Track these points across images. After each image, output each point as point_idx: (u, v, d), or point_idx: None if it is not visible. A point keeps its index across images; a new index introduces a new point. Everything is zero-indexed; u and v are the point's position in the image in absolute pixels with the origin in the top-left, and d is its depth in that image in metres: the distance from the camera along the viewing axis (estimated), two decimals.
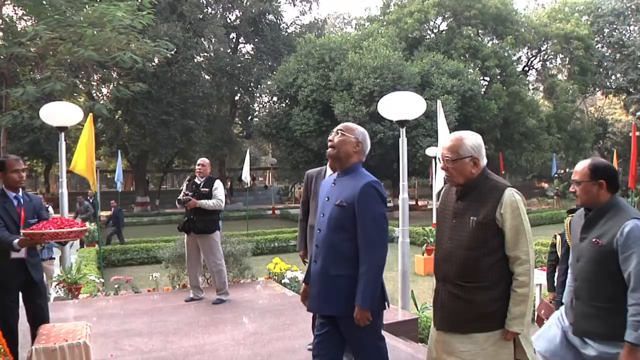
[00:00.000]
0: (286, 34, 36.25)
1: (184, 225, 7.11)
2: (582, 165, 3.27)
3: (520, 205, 2.89)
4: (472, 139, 3.01)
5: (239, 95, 36.60)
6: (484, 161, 3.02)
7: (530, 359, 2.97)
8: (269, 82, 29.91)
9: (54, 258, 8.82)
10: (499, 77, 30.61)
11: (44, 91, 19.28)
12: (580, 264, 3.21)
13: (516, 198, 2.89)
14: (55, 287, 8.10)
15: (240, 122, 38.51)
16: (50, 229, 4.06)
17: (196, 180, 7.14)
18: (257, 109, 36.87)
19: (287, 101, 28.73)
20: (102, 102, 23.30)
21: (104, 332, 5.86)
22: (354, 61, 24.61)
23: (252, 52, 36.73)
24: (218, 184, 7.13)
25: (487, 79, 31.31)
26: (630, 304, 2.93)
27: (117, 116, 30.16)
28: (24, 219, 4.51)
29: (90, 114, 9.39)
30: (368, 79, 23.61)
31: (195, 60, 31.62)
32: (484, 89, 29.72)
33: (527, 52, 37.05)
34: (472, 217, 2.95)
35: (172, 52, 23.51)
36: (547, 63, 37.80)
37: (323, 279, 3.30)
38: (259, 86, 33.40)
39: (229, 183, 39.40)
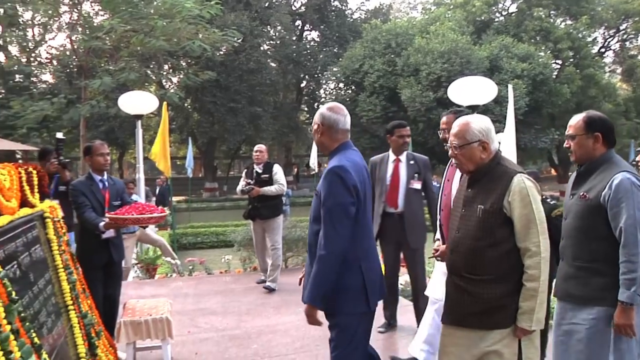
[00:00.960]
0: (351, 20, 36.06)
1: (249, 213, 7.26)
2: (577, 118, 3.07)
3: (531, 192, 2.70)
4: (479, 122, 2.85)
5: (305, 82, 36.77)
6: (494, 145, 2.84)
7: None
8: (334, 69, 29.89)
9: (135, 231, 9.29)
10: (572, 59, 29.27)
11: (118, 81, 20.04)
12: (568, 220, 3.05)
13: (526, 185, 2.71)
14: (134, 267, 8.50)
15: (306, 109, 38.71)
16: (133, 215, 4.26)
17: (255, 168, 7.21)
18: (323, 95, 36.90)
19: (353, 87, 28.63)
20: (172, 90, 23.89)
21: (180, 310, 6.12)
22: (420, 46, 24.23)
23: (317, 39, 36.77)
24: (277, 168, 7.22)
25: (559, 62, 29.95)
26: (621, 261, 2.77)
27: (186, 104, 30.91)
28: (109, 201, 4.77)
29: (165, 102, 9.72)
30: (435, 64, 23.21)
31: (262, 48, 31.95)
32: (555, 73, 28.49)
33: (604, 33, 35.07)
34: (479, 206, 2.79)
35: (239, 41, 23.88)
36: (627, 43, 35.67)
37: (307, 271, 3.12)
38: (324, 73, 33.45)
39: (295, 169, 39.75)
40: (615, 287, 2.78)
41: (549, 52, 27.90)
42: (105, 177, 4.89)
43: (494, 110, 22.73)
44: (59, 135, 6.43)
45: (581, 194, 2.96)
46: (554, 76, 27.66)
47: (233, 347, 5.12)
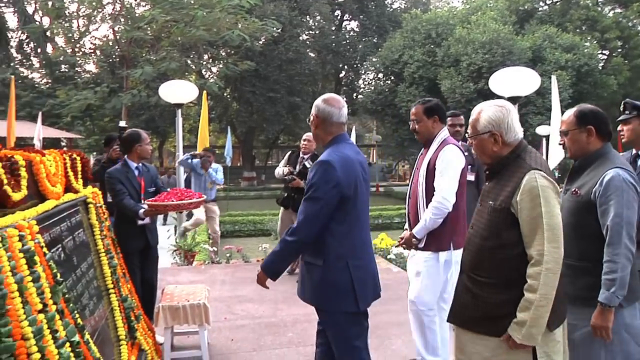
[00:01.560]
0: (391, 9, 35.75)
1: (283, 200, 7.24)
2: (569, 113, 2.96)
3: (543, 192, 2.38)
4: (490, 111, 2.57)
5: (343, 72, 36.69)
6: (510, 136, 2.55)
7: None
8: (374, 59, 29.69)
9: (216, 200, 9.43)
10: (620, 50, 28.40)
11: (159, 71, 20.35)
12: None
13: (539, 183, 2.39)
14: (172, 253, 8.64)
15: (345, 99, 38.64)
16: (173, 201, 4.31)
17: (304, 159, 7.14)
18: (362, 85, 36.75)
19: (392, 78, 28.39)
20: (211, 80, 24.16)
21: (217, 296, 6.20)
22: (461, 36, 23.88)
23: (357, 29, 36.57)
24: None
25: (606, 52, 29.04)
26: (604, 260, 2.66)
27: (225, 94, 31.19)
28: (144, 188, 4.87)
29: (205, 92, 9.83)
30: (476, 55, 22.83)
31: (301, 38, 31.98)
32: (602, 64, 27.65)
33: None
34: (490, 202, 2.56)
35: (279, 31, 23.98)
36: None
37: (303, 265, 3.12)
38: (363, 63, 33.28)
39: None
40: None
41: (595, 42, 27.06)
42: (140, 164, 5.00)
43: (536, 102, 22.32)
44: (122, 123, 6.67)
45: (573, 190, 2.87)
46: (600, 67, 26.84)
47: (268, 334, 5.17)
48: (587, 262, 2.74)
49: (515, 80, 6.81)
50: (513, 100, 6.86)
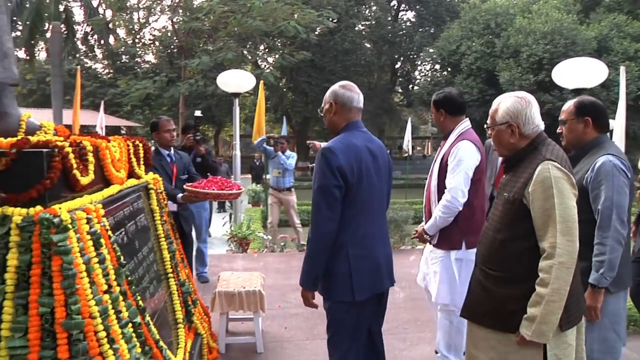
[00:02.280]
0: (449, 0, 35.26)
1: None
2: (569, 103, 3.06)
3: (557, 183, 2.30)
4: (509, 102, 2.52)
5: (399, 63, 36.39)
6: (528, 128, 2.49)
7: None
8: (430, 50, 29.30)
9: (291, 189, 9.41)
10: None
11: (216, 61, 20.65)
12: None
13: (552, 174, 2.32)
14: (228, 241, 8.78)
15: (400, 91, 38.31)
16: (214, 190, 4.28)
17: None
18: (418, 77, 36.36)
19: (449, 69, 27.97)
20: (267, 70, 24.35)
21: (271, 284, 6.26)
22: (522, 26, 23.23)
23: (413, 19, 36.15)
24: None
25: None
26: (595, 243, 2.74)
27: (281, 84, 31.39)
28: (176, 174, 4.96)
29: (262, 81, 9.92)
30: (537, 46, 22.17)
31: (357, 28, 31.87)
32: None
33: None
34: (504, 194, 2.51)
35: (335, 21, 23.95)
36: None
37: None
38: (420, 54, 32.91)
39: (388, 151, 39.54)
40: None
41: None
42: (172, 151, 5.10)
43: (601, 95, 21.45)
44: (197, 113, 6.89)
45: None
46: None
47: (322, 324, 5.12)
48: (580, 247, 2.60)
49: (580, 72, 6.59)
50: (577, 92, 6.63)
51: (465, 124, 3.84)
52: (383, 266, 3.06)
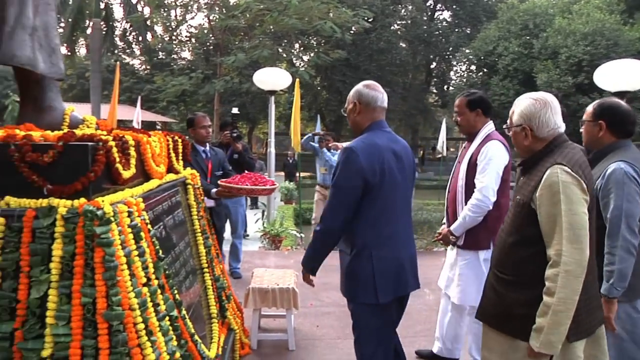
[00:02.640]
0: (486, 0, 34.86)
1: None
2: (591, 105, 3.02)
3: (564, 188, 2.22)
4: (525, 104, 2.46)
5: (434, 63, 36.14)
6: (543, 131, 2.41)
7: None
8: (466, 50, 29.02)
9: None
10: None
11: (251, 58, 20.79)
12: None
13: (560, 179, 2.23)
14: (260, 238, 8.83)
15: (435, 91, 38.03)
16: (247, 185, 4.27)
17: None
18: (453, 77, 36.04)
19: (485, 70, 27.68)
20: (302, 69, 24.41)
21: (303, 282, 6.27)
22: (561, 27, 22.83)
23: (449, 19, 35.85)
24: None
25: None
26: (605, 252, 2.67)
27: (316, 82, 31.44)
28: (211, 171, 4.99)
29: (297, 80, 9.94)
30: (577, 47, 21.77)
31: (393, 27, 31.74)
32: None
33: None
34: (517, 197, 2.48)
35: (370, 20, 23.90)
36: None
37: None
38: (456, 54, 32.61)
39: (421, 152, 39.32)
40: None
41: None
42: (208, 148, 5.14)
43: None
44: (234, 110, 6.97)
45: None
46: None
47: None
48: (597, 255, 2.62)
49: (623, 74, 6.45)
50: (620, 95, 6.49)
51: (491, 125, 3.86)
52: (408, 268, 3.03)
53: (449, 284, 4.01)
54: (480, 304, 2.68)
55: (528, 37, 24.73)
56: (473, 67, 29.96)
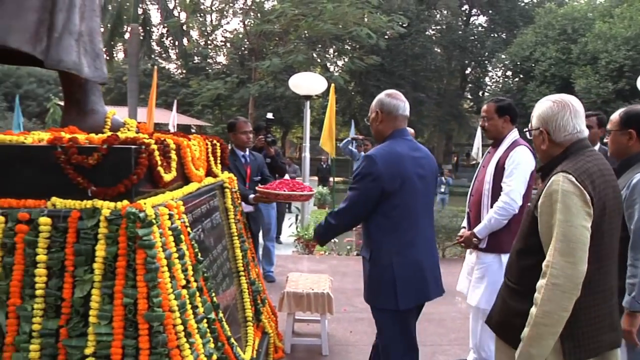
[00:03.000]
0: (523, 4, 34.33)
1: None
2: (616, 113, 2.92)
3: (564, 198, 2.10)
4: (542, 107, 2.36)
5: (469, 68, 35.82)
6: (560, 135, 2.30)
7: None
8: (502, 56, 28.73)
9: None
10: None
11: (286, 63, 20.92)
12: None
13: (561, 187, 2.11)
14: (294, 242, 8.86)
15: (470, 97, 37.69)
16: (285, 191, 4.26)
17: None
18: (488, 83, 35.70)
19: (521, 76, 27.34)
20: (336, 74, 24.46)
21: (337, 287, 6.25)
22: (601, 32, 22.35)
23: (485, 24, 35.52)
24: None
25: None
26: (628, 264, 2.60)
27: (350, 87, 31.44)
28: (249, 175, 5.01)
29: (332, 85, 9.96)
30: (618, 52, 21.27)
31: (428, 33, 31.57)
32: None
33: None
34: (528, 204, 2.52)
35: (405, 25, 23.82)
36: None
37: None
38: (491, 60, 32.30)
39: (455, 158, 38.98)
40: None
41: None
42: (247, 153, 5.15)
43: None
44: (269, 115, 7.02)
45: None
46: None
47: None
48: (620, 265, 2.54)
49: None
50: None
51: (516, 132, 3.94)
52: (429, 274, 3.05)
53: (469, 288, 4.02)
54: (490, 311, 2.60)
55: (566, 42, 24.31)
56: (509, 73, 29.64)
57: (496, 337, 2.53)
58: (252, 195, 4.59)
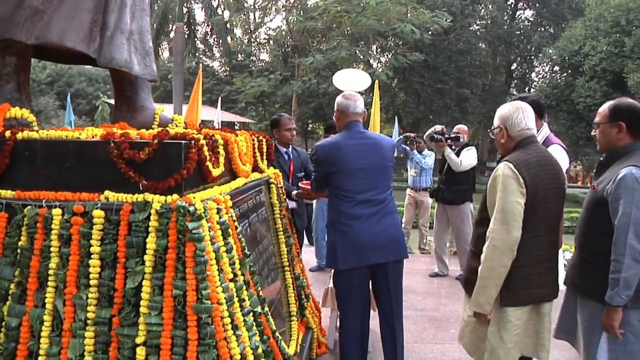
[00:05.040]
0: None
1: (433, 192, 7.10)
2: (605, 106, 2.92)
3: (503, 180, 2.72)
4: (503, 109, 2.99)
5: (515, 64, 35.09)
6: (516, 132, 2.90)
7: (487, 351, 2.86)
8: (550, 50, 27.99)
9: (427, 189, 8.62)
10: None
11: (329, 60, 20.92)
12: (582, 210, 2.97)
13: (501, 172, 2.75)
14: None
15: (515, 93, 36.98)
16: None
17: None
18: (535, 79, 34.90)
19: (569, 71, 26.60)
20: (379, 70, 24.34)
21: None
22: None
23: (531, 19, 34.62)
24: (469, 148, 6.67)
25: None
26: (611, 259, 2.64)
27: (393, 84, 31.25)
28: (293, 172, 5.02)
29: (377, 81, 9.93)
30: None
31: (472, 28, 31.05)
32: None
33: None
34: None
35: (449, 21, 23.53)
36: None
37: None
38: (538, 55, 31.56)
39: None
40: None
41: None
42: (290, 149, 5.17)
43: None
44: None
45: (594, 185, 2.86)
46: None
47: (431, 328, 5.12)
48: (600, 258, 2.73)
49: None
50: None
51: (547, 128, 4.05)
52: (366, 243, 3.43)
53: None
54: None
55: (619, 35, 23.34)
56: (556, 68, 28.81)
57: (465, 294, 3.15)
58: (294, 192, 4.62)
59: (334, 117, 3.73)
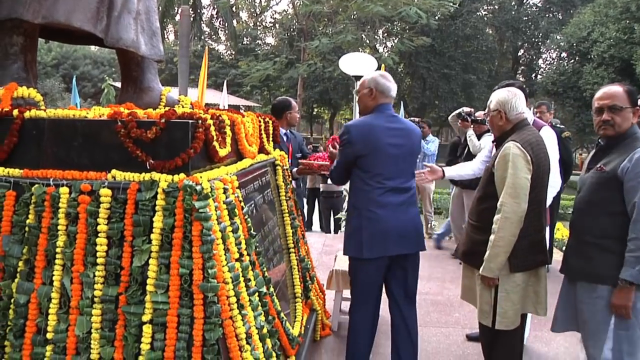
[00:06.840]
0: None
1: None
2: (614, 89, 2.80)
3: (513, 159, 2.93)
4: (499, 94, 3.18)
5: (522, 50, 34.87)
6: (514, 115, 3.12)
7: (500, 316, 3.05)
8: (557, 37, 27.75)
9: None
10: None
11: (335, 43, 20.83)
12: (580, 194, 2.94)
13: (511, 151, 2.95)
14: (340, 221, 8.88)
15: (522, 79, 36.77)
16: (326, 163, 4.33)
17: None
18: (542, 65, 34.66)
19: (577, 57, 26.36)
20: (386, 55, 24.20)
21: None
22: None
23: (539, 4, 34.34)
24: (490, 134, 6.60)
25: None
26: (630, 238, 2.61)
27: (399, 69, 31.10)
28: (291, 153, 5.04)
29: (382, 65, 9.88)
30: None
31: (479, 13, 30.85)
32: None
33: None
34: (487, 165, 3.27)
35: (457, 6, 23.33)
36: None
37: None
38: (545, 41, 31.30)
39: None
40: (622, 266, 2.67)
41: None
42: (287, 131, 5.24)
43: None
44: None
45: (598, 166, 2.82)
46: None
47: (435, 312, 5.14)
48: (608, 240, 2.74)
49: None
50: None
51: (531, 113, 4.27)
52: (393, 232, 3.32)
53: None
54: (458, 246, 3.55)
55: (629, 22, 23.03)
56: (564, 55, 28.56)
57: (463, 265, 3.42)
58: (295, 169, 4.68)
59: (358, 93, 3.55)
